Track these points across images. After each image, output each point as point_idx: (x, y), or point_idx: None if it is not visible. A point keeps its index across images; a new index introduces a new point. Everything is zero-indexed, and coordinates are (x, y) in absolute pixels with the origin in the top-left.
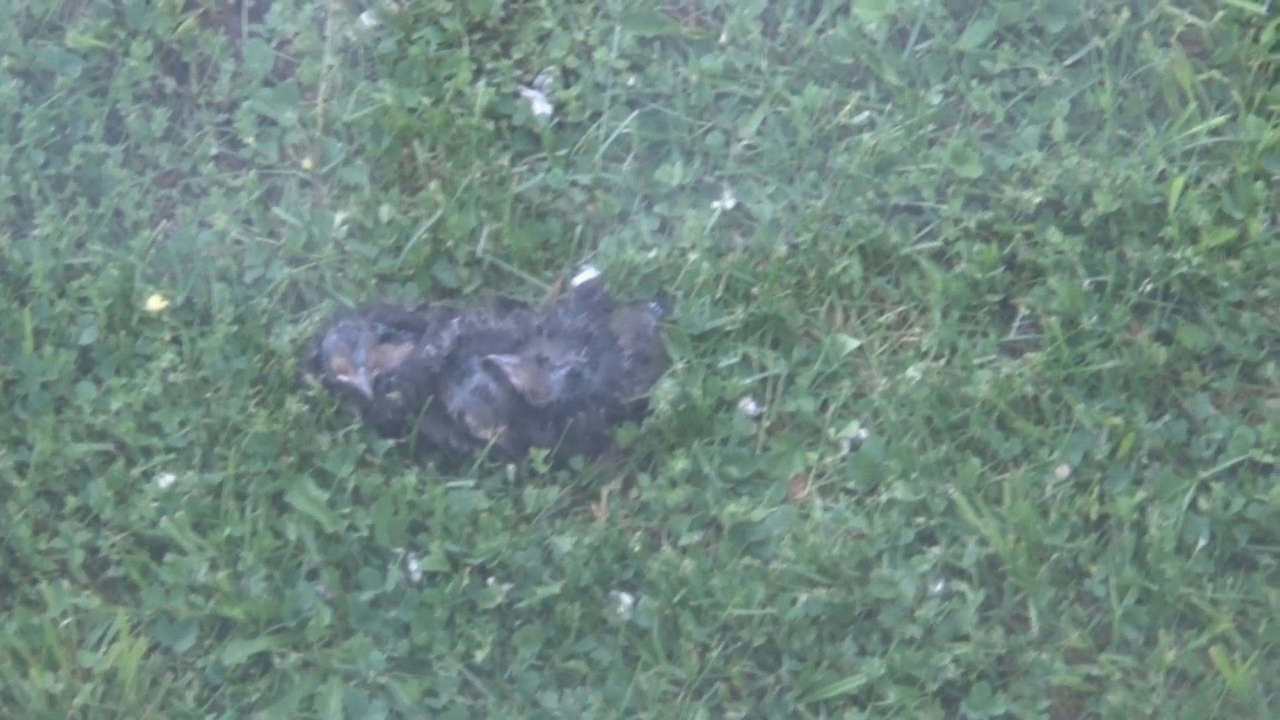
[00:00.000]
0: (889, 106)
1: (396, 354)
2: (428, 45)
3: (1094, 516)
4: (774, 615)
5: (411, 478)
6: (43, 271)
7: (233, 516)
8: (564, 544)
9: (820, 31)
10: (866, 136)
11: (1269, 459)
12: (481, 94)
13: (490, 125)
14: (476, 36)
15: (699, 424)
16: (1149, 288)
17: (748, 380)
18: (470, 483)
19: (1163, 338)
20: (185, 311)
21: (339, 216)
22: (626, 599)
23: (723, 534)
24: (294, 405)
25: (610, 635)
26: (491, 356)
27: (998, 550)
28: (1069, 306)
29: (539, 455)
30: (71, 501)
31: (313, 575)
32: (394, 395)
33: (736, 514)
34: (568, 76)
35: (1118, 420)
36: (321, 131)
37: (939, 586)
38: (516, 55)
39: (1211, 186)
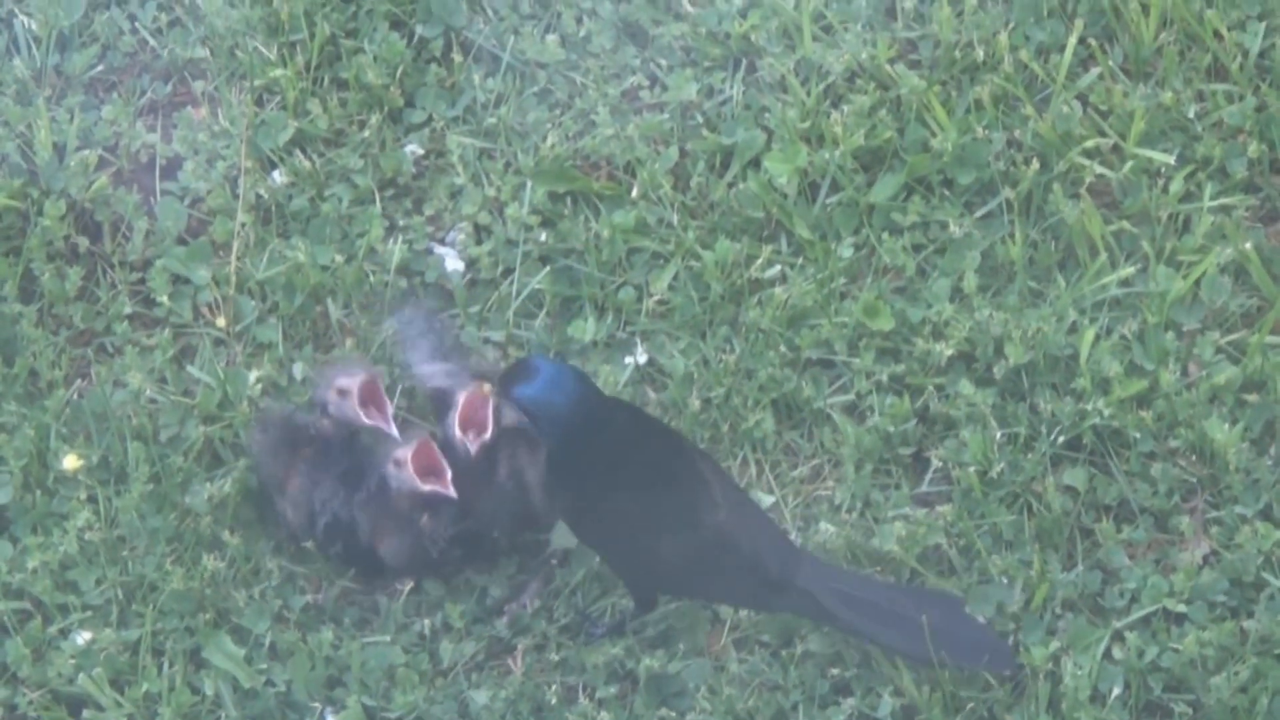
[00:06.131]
0: (800, 260)
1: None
2: (340, 202)
3: None
4: None
5: (328, 633)
6: None
7: (150, 673)
8: (480, 698)
9: (731, 185)
10: (778, 290)
11: (1181, 608)
12: (394, 251)
13: (403, 282)
14: (388, 193)
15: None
16: (1061, 439)
17: None
18: (386, 637)
19: (1071, 490)
20: (101, 470)
21: (253, 375)
22: None
23: (639, 686)
24: (210, 562)
25: None
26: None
27: (913, 701)
28: (981, 459)
29: (454, 610)
30: None
31: None
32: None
33: (653, 667)
34: (479, 233)
35: (1031, 571)
36: (235, 289)
37: None
38: (428, 212)
39: (1122, 337)
